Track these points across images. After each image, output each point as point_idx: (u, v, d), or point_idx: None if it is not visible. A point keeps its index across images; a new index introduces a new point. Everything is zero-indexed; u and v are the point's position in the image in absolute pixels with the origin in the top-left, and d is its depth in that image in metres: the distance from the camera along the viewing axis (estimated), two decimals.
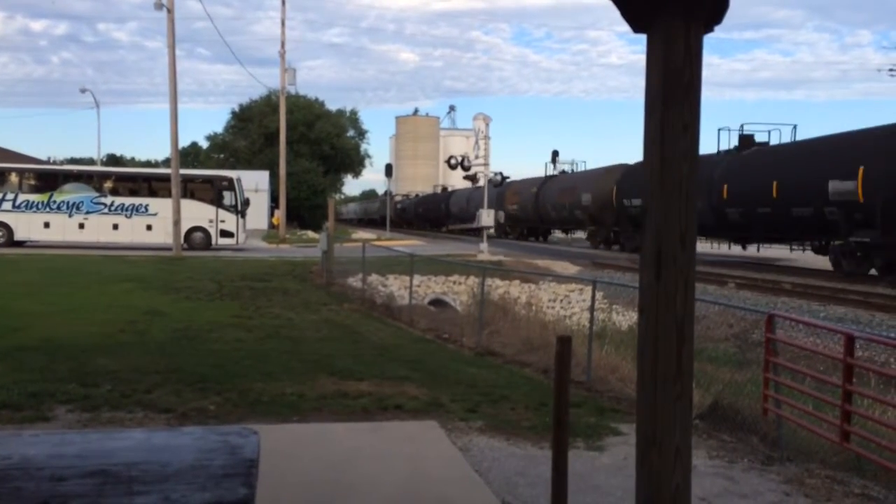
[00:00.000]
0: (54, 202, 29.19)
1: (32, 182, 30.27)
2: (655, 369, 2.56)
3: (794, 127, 27.30)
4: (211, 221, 29.94)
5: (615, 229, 34.83)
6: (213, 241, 29.94)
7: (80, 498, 1.99)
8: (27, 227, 29.00)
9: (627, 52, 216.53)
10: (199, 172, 37.40)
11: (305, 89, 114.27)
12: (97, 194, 29.61)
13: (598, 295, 11.51)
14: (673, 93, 2.47)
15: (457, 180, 51.52)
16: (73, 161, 71.50)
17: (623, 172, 33.48)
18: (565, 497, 3.84)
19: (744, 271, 23.21)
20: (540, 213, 43.72)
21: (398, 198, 78.16)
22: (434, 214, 64.31)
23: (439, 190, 70.94)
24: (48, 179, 30.51)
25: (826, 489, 5.21)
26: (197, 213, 29.40)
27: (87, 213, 29.28)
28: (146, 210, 29.53)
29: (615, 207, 33.27)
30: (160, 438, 2.54)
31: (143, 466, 2.17)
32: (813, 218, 21.49)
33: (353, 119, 69.46)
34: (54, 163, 58.68)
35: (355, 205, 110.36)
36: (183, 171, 29.24)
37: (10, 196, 29.08)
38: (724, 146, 27.60)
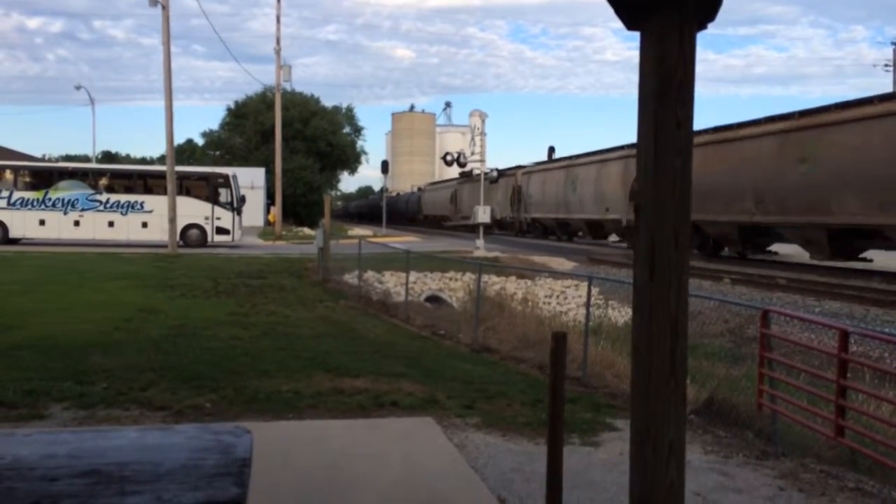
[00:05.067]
0: (49, 199, 29.12)
1: (27, 179, 30.22)
2: (650, 366, 2.56)
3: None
4: (207, 218, 29.91)
5: None
6: (209, 239, 29.91)
7: (71, 498, 1.99)
8: (22, 224, 28.94)
9: (623, 48, 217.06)
10: (195, 169, 37.32)
11: (301, 86, 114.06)
12: (92, 191, 29.55)
13: (594, 291, 11.51)
14: (666, 90, 2.47)
15: (453, 176, 51.29)
16: (68, 158, 71.31)
17: None
18: (560, 492, 3.84)
19: (740, 267, 23.26)
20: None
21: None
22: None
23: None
24: (43, 177, 30.45)
25: (820, 484, 5.22)
26: (193, 210, 29.36)
27: (83, 210, 29.23)
28: (142, 207, 29.47)
29: None
30: (153, 437, 2.53)
31: (136, 466, 2.17)
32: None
33: (349, 116, 69.45)
34: (49, 160, 58.51)
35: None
36: (178, 168, 29.17)
37: (4, 194, 29.03)
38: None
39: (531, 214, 39.79)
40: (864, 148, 17.64)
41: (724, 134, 22.98)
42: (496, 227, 40.88)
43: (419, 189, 69.46)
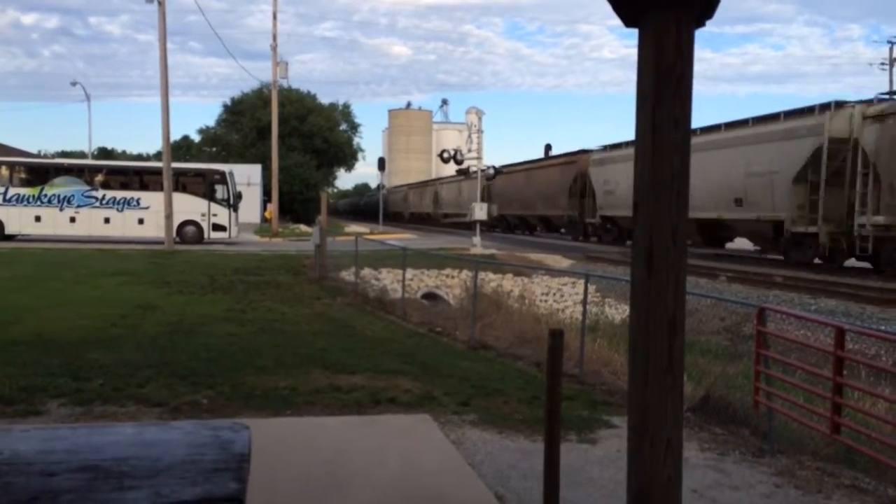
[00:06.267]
0: (45, 196, 29.04)
1: (23, 176, 30.12)
2: (647, 363, 2.57)
3: None
4: (203, 215, 29.86)
5: None
6: (206, 235, 29.86)
7: (70, 493, 1.99)
8: (18, 220, 28.86)
9: (619, 45, 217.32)
10: (191, 166, 37.20)
11: (298, 83, 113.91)
12: (88, 188, 29.47)
13: (591, 288, 11.53)
14: (664, 87, 2.47)
15: (450, 174, 51.57)
16: (63, 154, 70.95)
17: None
18: (557, 489, 3.85)
19: (736, 265, 23.30)
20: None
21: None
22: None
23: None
24: (39, 173, 30.36)
25: (817, 481, 5.24)
26: (189, 206, 29.31)
27: (79, 206, 29.15)
28: (138, 204, 29.40)
29: None
30: (151, 433, 2.53)
31: (134, 461, 2.17)
32: None
33: (346, 113, 69.25)
34: (45, 156, 58.31)
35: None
36: (175, 165, 29.11)
37: (0, 190, 28.94)
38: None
39: (443, 210, 58.08)
40: (543, 182, 40.70)
41: (512, 167, 45.05)
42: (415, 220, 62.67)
43: (387, 191, 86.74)
